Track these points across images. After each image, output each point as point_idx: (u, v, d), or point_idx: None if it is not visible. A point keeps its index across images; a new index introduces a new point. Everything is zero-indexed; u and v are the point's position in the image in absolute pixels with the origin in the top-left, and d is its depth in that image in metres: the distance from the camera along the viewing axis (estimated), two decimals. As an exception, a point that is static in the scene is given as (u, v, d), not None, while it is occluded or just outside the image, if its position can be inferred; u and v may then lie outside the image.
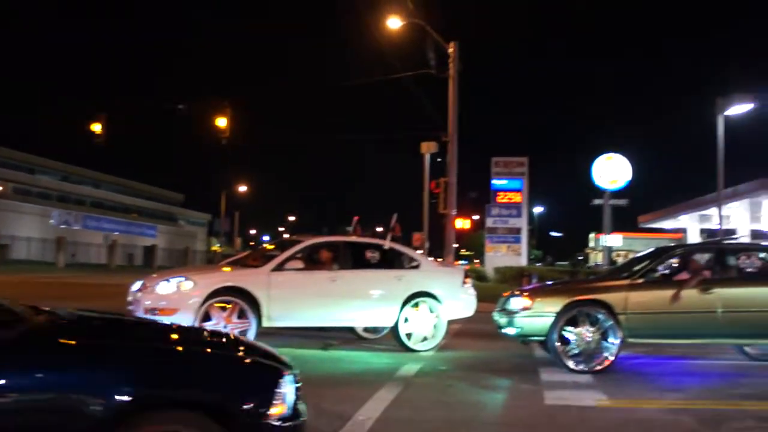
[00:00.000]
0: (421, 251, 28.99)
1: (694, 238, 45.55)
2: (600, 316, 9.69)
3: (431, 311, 11.61)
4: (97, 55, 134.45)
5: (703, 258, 10.99)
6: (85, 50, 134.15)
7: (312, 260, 11.68)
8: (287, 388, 3.69)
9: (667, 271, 10.98)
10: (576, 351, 9.64)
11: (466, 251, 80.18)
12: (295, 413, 3.74)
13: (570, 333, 9.69)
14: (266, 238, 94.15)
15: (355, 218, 13.47)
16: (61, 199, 76.18)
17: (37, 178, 75.71)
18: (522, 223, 40.29)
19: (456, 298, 11.97)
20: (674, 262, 11.14)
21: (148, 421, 3.30)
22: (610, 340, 9.64)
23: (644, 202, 52.93)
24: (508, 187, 39.93)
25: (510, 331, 10.11)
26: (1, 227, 55.61)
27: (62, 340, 3.47)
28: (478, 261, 63.43)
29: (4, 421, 3.06)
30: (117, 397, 3.23)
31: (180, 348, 3.91)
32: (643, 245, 39.97)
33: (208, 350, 3.97)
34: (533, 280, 25.17)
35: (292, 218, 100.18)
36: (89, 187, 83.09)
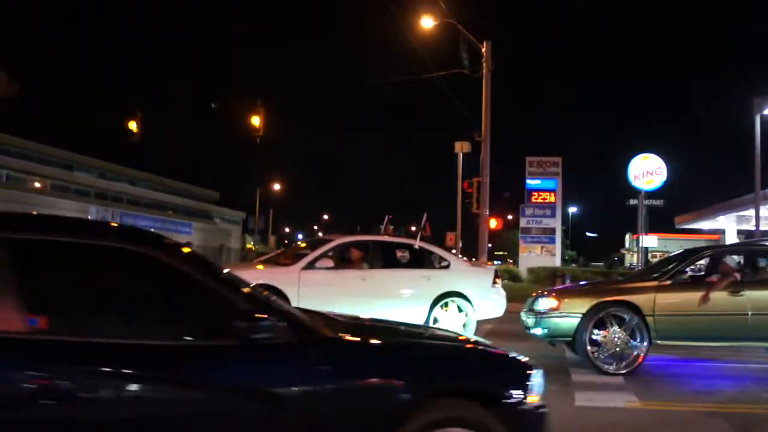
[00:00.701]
0: (454, 251, 28.91)
1: (731, 239, 44.88)
2: (627, 317, 9.61)
3: (460, 311, 11.60)
4: (134, 53, 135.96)
5: (733, 260, 10.85)
6: (122, 49, 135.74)
7: (342, 259, 11.73)
8: (537, 380, 4.12)
9: (696, 273, 10.86)
10: (605, 352, 9.57)
11: (499, 251, 79.79)
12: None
13: (598, 335, 9.62)
14: (300, 236, 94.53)
15: (387, 217, 13.50)
16: (99, 196, 77.12)
17: (75, 175, 76.77)
18: (556, 223, 40.09)
19: (486, 298, 11.95)
20: (704, 263, 11.02)
21: (435, 408, 3.74)
22: (639, 341, 9.56)
23: (681, 203, 52.33)
24: (543, 187, 39.70)
25: (537, 331, 10.06)
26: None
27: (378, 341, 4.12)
28: (511, 261, 63.14)
29: (358, 399, 3.62)
30: (417, 386, 3.72)
31: (453, 344, 4.52)
32: (679, 246, 39.52)
33: (474, 345, 4.50)
34: (566, 280, 25.03)
35: (326, 217, 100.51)
36: (126, 185, 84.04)
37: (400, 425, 3.58)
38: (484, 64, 24.91)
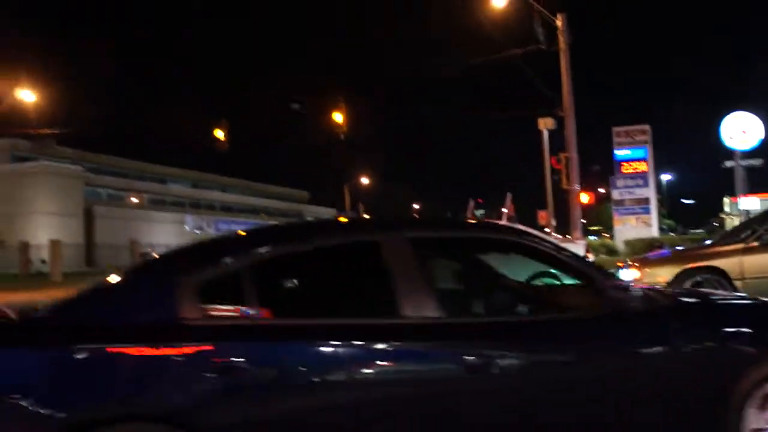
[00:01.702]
0: (548, 229, 28.55)
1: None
2: (715, 282, 9.26)
3: (552, 288, 11.43)
4: (213, 62, 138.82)
5: None
6: (204, 58, 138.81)
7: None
8: None
9: None
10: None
11: (593, 226, 78.31)
12: None
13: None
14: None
15: (473, 201, 13.40)
16: (193, 206, 79.22)
17: (169, 187, 79.13)
18: (649, 192, 39.10)
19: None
20: None
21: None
22: None
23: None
24: (632, 156, 38.75)
25: None
26: (141, 236, 58.29)
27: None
28: (608, 234, 61.93)
29: (709, 356, 3.89)
30: (756, 341, 3.98)
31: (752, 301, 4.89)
32: (782, 206, 37.91)
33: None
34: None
35: (416, 206, 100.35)
36: (218, 192, 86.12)
37: (745, 376, 3.84)
38: (561, 38, 24.46)
